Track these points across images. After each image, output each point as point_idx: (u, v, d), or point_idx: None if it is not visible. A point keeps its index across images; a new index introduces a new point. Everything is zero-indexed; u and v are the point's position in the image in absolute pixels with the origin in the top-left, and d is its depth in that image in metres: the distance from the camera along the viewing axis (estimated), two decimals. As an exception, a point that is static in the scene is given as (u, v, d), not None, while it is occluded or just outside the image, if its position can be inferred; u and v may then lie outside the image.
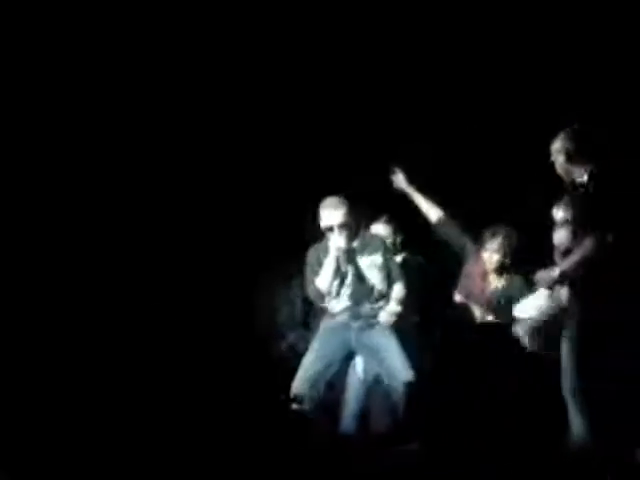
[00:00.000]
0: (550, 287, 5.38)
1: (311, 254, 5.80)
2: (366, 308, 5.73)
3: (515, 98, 6.78)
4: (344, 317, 5.75)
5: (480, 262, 5.96)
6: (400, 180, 6.15)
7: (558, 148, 5.28)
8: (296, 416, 5.36)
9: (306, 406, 5.48)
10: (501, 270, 5.94)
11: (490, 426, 5.25)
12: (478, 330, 5.86)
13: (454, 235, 6.10)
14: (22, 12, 6.52)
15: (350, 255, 5.71)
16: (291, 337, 6.28)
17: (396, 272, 5.82)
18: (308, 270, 5.78)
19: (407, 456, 5.19)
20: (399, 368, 5.53)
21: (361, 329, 5.72)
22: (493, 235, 5.89)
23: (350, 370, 5.86)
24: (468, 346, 5.73)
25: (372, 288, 5.74)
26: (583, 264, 5.08)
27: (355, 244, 5.76)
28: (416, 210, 6.14)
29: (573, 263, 5.11)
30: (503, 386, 5.48)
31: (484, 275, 5.96)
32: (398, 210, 6.23)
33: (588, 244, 5.05)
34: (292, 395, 5.47)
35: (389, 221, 6.19)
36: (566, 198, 5.43)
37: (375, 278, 5.75)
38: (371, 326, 5.72)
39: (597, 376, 4.98)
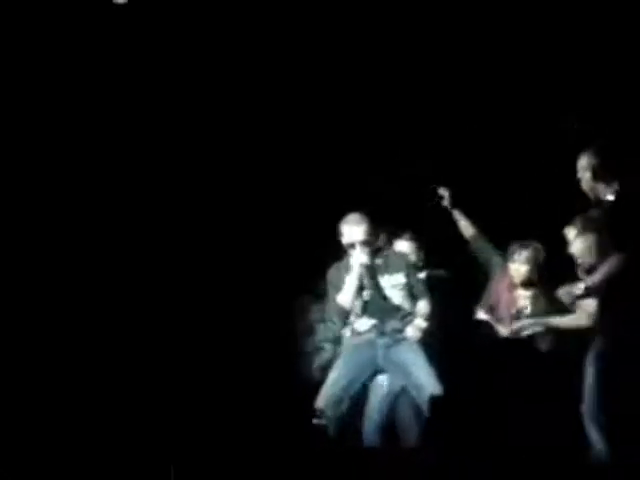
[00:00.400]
0: (572, 303, 5.39)
1: (332, 272, 5.78)
2: (391, 325, 5.70)
3: (540, 111, 6.81)
4: (370, 335, 5.71)
5: (507, 276, 5.95)
6: (446, 198, 6.19)
7: (584, 165, 5.29)
8: (317, 430, 5.34)
9: (327, 421, 5.44)
10: (528, 284, 5.91)
11: (511, 443, 5.23)
12: (498, 346, 5.84)
13: (487, 250, 6.13)
14: (22, 13, 6.53)
15: (372, 272, 5.70)
16: (324, 355, 6.23)
17: (420, 288, 5.80)
18: (330, 288, 5.76)
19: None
20: (427, 382, 5.47)
21: (387, 346, 5.68)
22: (521, 247, 5.88)
23: (372, 384, 5.82)
24: (488, 362, 5.72)
25: (396, 307, 5.71)
26: (609, 281, 5.07)
27: (378, 261, 5.75)
28: (438, 226, 6.19)
29: (598, 279, 5.10)
30: (522, 401, 5.47)
31: (511, 289, 5.94)
32: (419, 225, 6.28)
33: (614, 261, 5.04)
34: (315, 410, 5.46)
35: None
36: (581, 218, 5.45)
37: (397, 298, 5.72)
38: (397, 342, 5.68)
39: (624, 395, 4.98)
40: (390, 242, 6.02)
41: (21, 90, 6.61)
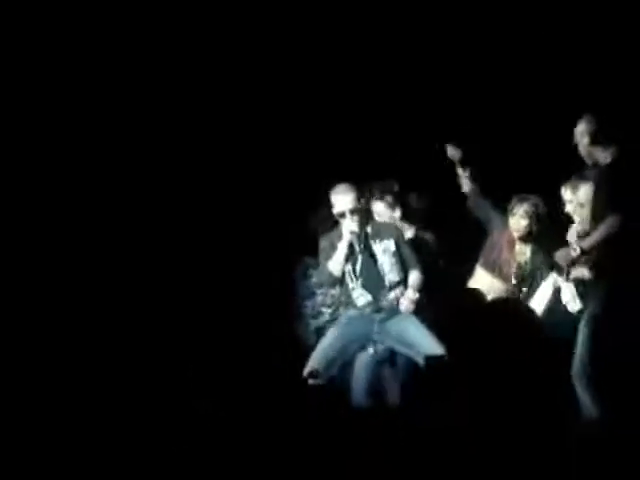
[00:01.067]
0: (569, 266, 5.38)
1: (324, 241, 5.92)
2: (386, 300, 5.79)
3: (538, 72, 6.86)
4: (366, 310, 5.82)
5: (507, 230, 5.95)
6: (455, 152, 6.20)
7: (582, 131, 5.30)
8: (313, 390, 5.38)
9: (322, 381, 5.54)
10: (528, 238, 5.94)
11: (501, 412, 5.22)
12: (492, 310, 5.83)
13: (485, 206, 6.16)
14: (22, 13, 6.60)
15: (363, 240, 5.80)
16: (321, 319, 6.30)
17: (411, 258, 5.89)
18: (322, 256, 5.89)
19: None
20: (428, 345, 5.53)
21: (383, 320, 5.80)
22: (521, 201, 5.88)
23: (360, 352, 5.90)
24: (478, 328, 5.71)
25: (388, 277, 5.81)
26: (605, 243, 5.07)
27: (368, 229, 5.85)
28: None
29: (594, 241, 5.11)
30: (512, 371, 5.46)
31: (511, 244, 5.95)
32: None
33: (611, 223, 5.04)
34: (308, 370, 5.53)
35: (389, 197, 6.19)
36: (574, 179, 5.45)
37: (387, 264, 5.82)
38: (393, 314, 5.79)
39: (614, 357, 4.98)
40: (367, 201, 6.03)
41: (21, 90, 6.68)
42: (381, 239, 5.84)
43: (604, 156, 5.25)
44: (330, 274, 5.80)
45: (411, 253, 5.90)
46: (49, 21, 6.64)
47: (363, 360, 5.89)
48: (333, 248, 5.80)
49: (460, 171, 6.20)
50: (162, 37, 6.83)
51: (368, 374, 5.88)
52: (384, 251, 5.82)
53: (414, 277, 5.83)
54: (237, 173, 7.04)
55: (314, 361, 5.65)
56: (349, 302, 5.86)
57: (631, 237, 5.07)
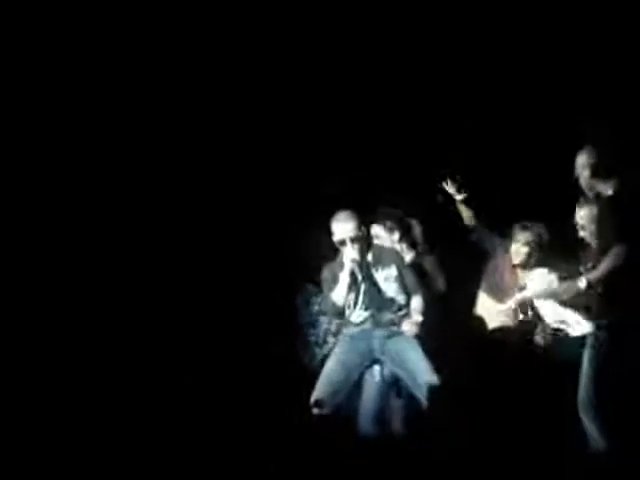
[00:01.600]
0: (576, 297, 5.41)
1: (326, 271, 5.88)
2: (387, 316, 5.76)
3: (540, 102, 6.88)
4: (366, 326, 5.78)
5: (508, 256, 5.99)
6: (453, 186, 6.24)
7: (582, 163, 5.33)
8: (318, 421, 5.37)
9: (327, 411, 5.52)
10: (527, 266, 5.95)
11: (506, 437, 5.24)
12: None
13: (489, 239, 6.20)
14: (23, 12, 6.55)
15: (365, 267, 5.78)
16: (326, 348, 6.26)
17: (412, 283, 5.85)
18: (324, 286, 5.86)
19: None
20: (423, 372, 5.53)
21: (384, 337, 5.74)
22: (523, 229, 5.89)
23: (367, 375, 5.86)
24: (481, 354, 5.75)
25: (390, 300, 5.77)
26: (611, 273, 5.10)
27: (370, 256, 5.83)
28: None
29: (601, 274, 5.13)
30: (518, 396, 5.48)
31: (512, 270, 5.98)
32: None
33: (617, 253, 5.07)
34: (313, 400, 5.50)
35: (388, 221, 6.19)
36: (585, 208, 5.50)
37: (392, 291, 5.78)
38: (394, 334, 5.74)
39: (620, 389, 5.01)
40: (367, 229, 6.00)
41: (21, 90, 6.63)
42: (383, 266, 5.80)
43: (605, 187, 5.29)
44: (334, 304, 5.75)
45: (413, 278, 5.86)
46: (49, 20, 6.61)
47: (370, 388, 5.85)
48: (335, 278, 5.76)
49: (462, 208, 6.25)
50: (157, 35, 6.81)
51: (376, 403, 5.82)
52: (386, 279, 5.78)
53: (417, 301, 5.80)
54: (238, 198, 7.02)
55: (319, 390, 5.60)
56: (348, 322, 5.82)
57: (636, 267, 5.11)
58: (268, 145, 7.02)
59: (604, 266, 5.13)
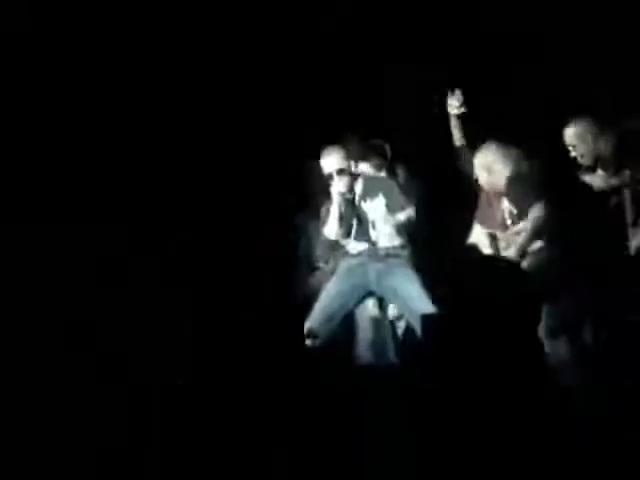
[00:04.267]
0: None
1: (323, 208, 5.97)
2: (383, 249, 5.78)
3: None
4: (362, 259, 5.83)
5: None
6: (455, 100, 6.17)
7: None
8: (311, 351, 5.33)
9: (320, 341, 5.51)
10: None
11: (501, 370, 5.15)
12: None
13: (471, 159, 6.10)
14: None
15: (353, 200, 5.83)
16: (319, 275, 6.28)
17: (401, 201, 5.84)
18: (321, 222, 5.95)
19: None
20: (420, 305, 5.51)
21: (380, 272, 5.78)
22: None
23: (361, 306, 5.90)
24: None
25: (381, 232, 5.81)
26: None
27: (357, 188, 5.87)
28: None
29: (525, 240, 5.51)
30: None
31: (497, 196, 5.93)
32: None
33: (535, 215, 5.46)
34: (306, 331, 5.49)
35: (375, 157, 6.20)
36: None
37: (380, 220, 5.82)
38: (391, 267, 5.78)
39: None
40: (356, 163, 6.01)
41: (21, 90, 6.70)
42: (371, 197, 5.85)
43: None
44: (325, 238, 5.86)
45: (400, 197, 5.85)
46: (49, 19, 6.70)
47: (364, 321, 5.89)
48: (328, 212, 5.84)
49: (456, 125, 6.19)
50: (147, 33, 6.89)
51: (371, 333, 5.87)
52: (375, 209, 5.83)
53: (408, 214, 5.80)
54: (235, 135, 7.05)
55: (312, 319, 5.68)
56: (345, 253, 5.88)
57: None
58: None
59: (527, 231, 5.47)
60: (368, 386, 5.13)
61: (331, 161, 5.81)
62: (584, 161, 5.71)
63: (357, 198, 5.87)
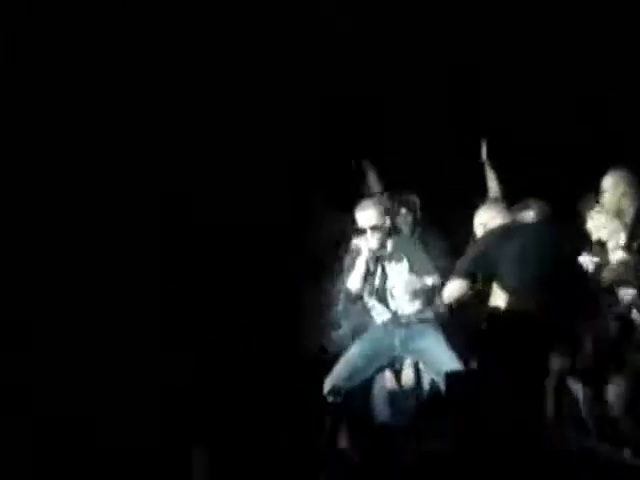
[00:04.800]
0: None
1: (348, 257, 5.93)
2: (404, 317, 5.75)
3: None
4: (388, 325, 5.80)
5: None
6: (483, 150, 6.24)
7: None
8: (332, 408, 5.33)
9: (340, 399, 5.53)
10: None
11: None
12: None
13: None
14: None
15: (381, 259, 5.80)
16: (339, 332, 6.20)
17: (426, 267, 5.76)
18: (345, 272, 5.90)
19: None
20: (446, 362, 5.47)
21: (405, 337, 5.75)
22: (525, 207, 5.84)
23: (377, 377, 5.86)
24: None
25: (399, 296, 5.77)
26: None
27: (388, 247, 5.82)
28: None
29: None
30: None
31: None
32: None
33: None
34: (329, 388, 5.46)
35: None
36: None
37: (401, 283, 5.75)
38: (415, 331, 5.75)
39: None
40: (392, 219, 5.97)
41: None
42: (397, 259, 5.79)
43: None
44: (348, 291, 5.81)
45: (424, 261, 5.78)
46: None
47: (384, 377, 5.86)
48: (353, 264, 5.80)
49: (489, 174, 6.23)
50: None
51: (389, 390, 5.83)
52: (398, 272, 5.79)
53: (434, 282, 5.73)
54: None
55: (334, 379, 5.62)
56: (370, 318, 5.85)
57: None
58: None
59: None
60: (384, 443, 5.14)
61: (366, 216, 5.76)
62: (608, 208, 5.69)
63: (386, 257, 5.82)
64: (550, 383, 5.33)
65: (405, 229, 6.12)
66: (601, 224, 5.51)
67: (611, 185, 5.72)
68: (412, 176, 6.38)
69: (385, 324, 5.79)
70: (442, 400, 5.25)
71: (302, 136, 6.99)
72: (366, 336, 5.82)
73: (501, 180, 6.25)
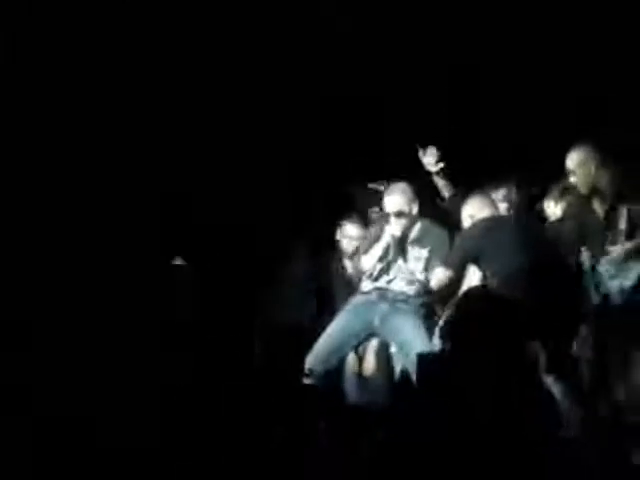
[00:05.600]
0: None
1: (372, 231, 5.91)
2: (395, 292, 5.72)
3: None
4: (372, 296, 5.76)
5: None
6: (430, 157, 6.13)
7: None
8: (308, 390, 5.31)
9: (317, 381, 5.53)
10: None
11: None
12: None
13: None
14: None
15: (401, 244, 5.75)
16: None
17: (437, 262, 5.74)
18: (363, 244, 5.89)
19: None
20: (418, 347, 5.40)
21: (386, 313, 5.71)
22: (497, 187, 5.88)
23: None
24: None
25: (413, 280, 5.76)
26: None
27: (412, 234, 5.80)
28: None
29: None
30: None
31: None
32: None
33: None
34: (306, 369, 5.46)
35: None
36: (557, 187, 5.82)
37: (418, 271, 5.77)
38: (396, 309, 5.71)
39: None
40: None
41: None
42: (421, 245, 5.78)
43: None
44: (360, 267, 5.82)
45: (439, 258, 5.73)
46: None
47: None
48: (373, 242, 5.79)
49: (438, 180, 6.16)
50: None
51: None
52: (416, 258, 5.78)
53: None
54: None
55: (311, 360, 5.60)
56: (365, 286, 5.84)
57: None
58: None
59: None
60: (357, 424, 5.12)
61: (392, 201, 5.74)
62: (581, 189, 5.59)
63: (408, 242, 5.79)
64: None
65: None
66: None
67: (579, 163, 5.55)
68: (412, 176, 6.36)
69: (369, 297, 5.76)
70: (411, 385, 5.24)
71: (302, 136, 6.99)
72: (347, 311, 5.79)
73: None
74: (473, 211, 5.69)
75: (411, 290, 5.76)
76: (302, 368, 5.59)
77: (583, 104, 6.62)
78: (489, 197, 5.82)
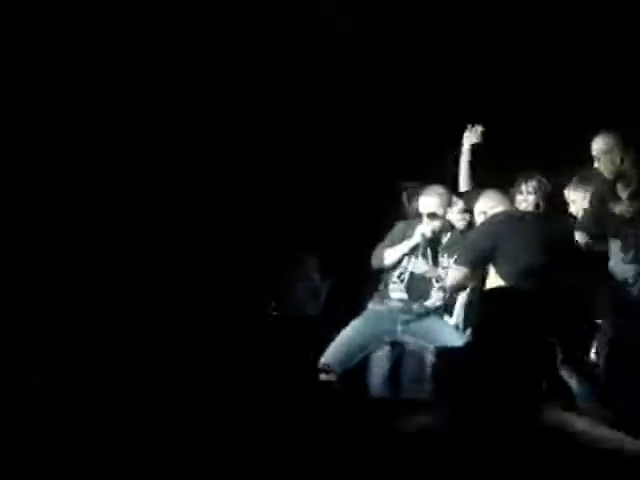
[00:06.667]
0: None
1: (400, 226, 5.81)
2: (419, 307, 5.69)
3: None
4: (395, 306, 5.70)
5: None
6: (474, 137, 6.11)
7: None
8: (324, 386, 5.28)
9: (333, 377, 5.46)
10: None
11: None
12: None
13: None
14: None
15: (431, 247, 5.70)
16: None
17: None
18: (388, 237, 5.78)
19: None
20: (453, 340, 5.34)
21: (407, 321, 5.66)
22: (527, 178, 5.76)
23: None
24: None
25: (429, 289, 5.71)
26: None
27: (444, 238, 5.74)
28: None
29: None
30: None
31: None
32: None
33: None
34: (321, 365, 5.42)
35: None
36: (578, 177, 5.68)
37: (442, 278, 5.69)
38: (420, 317, 5.68)
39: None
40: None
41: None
42: (449, 254, 5.68)
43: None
44: (380, 259, 5.70)
45: None
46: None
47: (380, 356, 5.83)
48: (402, 238, 5.72)
49: (464, 165, 6.10)
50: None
51: (387, 364, 5.82)
52: (444, 267, 5.69)
53: None
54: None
55: (327, 357, 5.54)
56: (381, 295, 5.74)
57: None
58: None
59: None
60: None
61: (426, 202, 5.67)
62: (607, 174, 5.52)
63: (438, 247, 5.73)
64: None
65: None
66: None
67: (605, 149, 5.55)
68: (412, 176, 6.35)
69: (390, 309, 5.70)
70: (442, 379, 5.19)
71: (302, 136, 6.99)
72: (366, 317, 5.73)
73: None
74: (486, 207, 5.64)
75: (438, 301, 5.72)
76: (311, 362, 5.54)
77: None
78: (502, 193, 5.77)
